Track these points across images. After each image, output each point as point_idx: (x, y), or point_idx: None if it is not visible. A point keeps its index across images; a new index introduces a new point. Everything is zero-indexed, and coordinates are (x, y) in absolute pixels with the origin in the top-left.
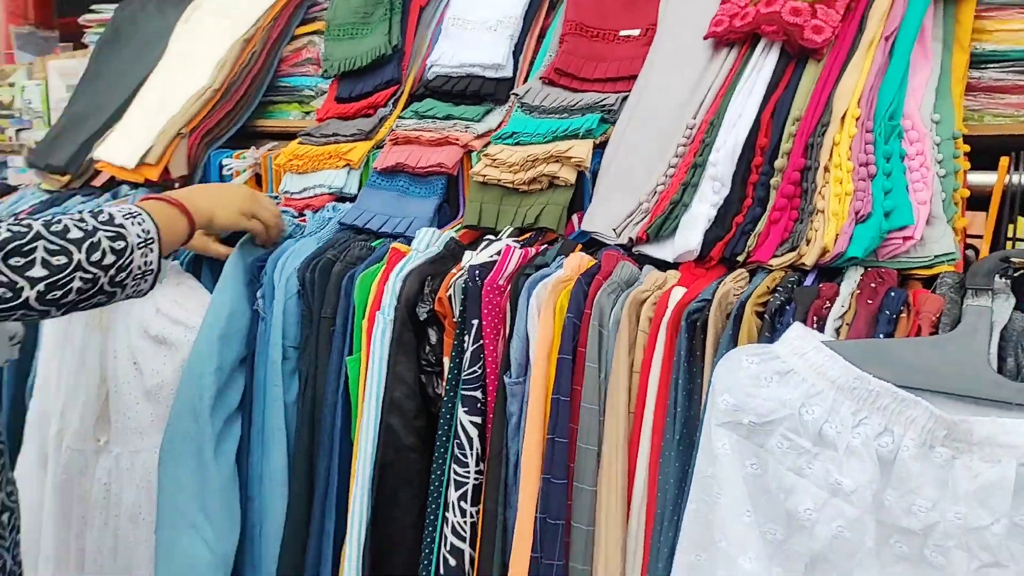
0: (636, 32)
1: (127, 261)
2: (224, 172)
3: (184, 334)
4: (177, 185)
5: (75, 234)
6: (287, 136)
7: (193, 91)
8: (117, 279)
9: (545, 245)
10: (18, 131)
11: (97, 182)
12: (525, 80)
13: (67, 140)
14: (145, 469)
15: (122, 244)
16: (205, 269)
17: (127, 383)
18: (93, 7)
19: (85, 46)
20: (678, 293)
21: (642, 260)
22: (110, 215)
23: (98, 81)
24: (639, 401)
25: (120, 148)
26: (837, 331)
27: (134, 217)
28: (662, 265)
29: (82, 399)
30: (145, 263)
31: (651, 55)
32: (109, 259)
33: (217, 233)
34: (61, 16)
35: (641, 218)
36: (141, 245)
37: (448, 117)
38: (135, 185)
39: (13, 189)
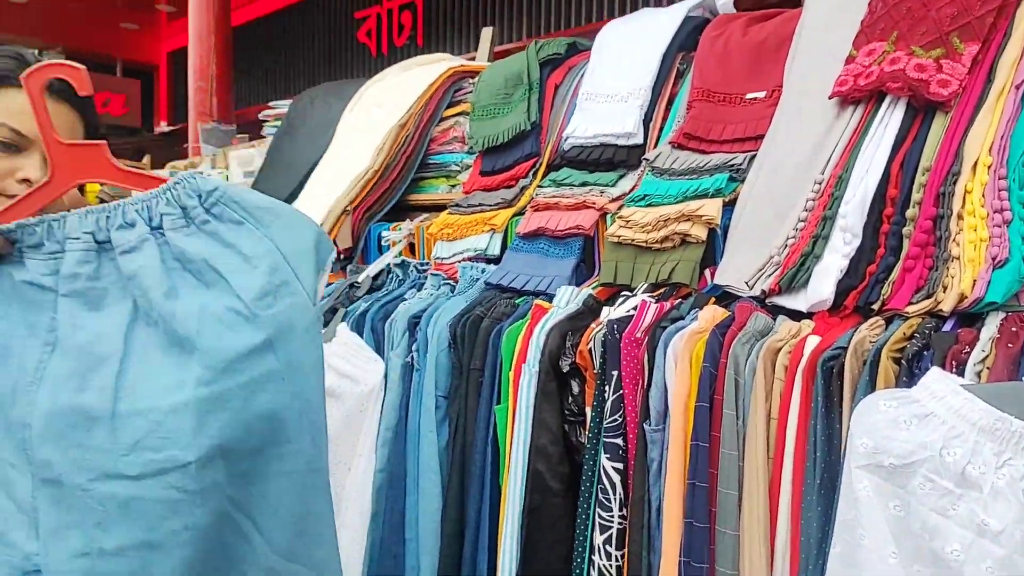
0: (762, 94)
1: None
2: (383, 243)
3: (350, 386)
4: (342, 256)
5: None
6: (436, 208)
7: (356, 173)
8: None
9: (679, 299)
10: None
11: None
12: (655, 146)
13: None
14: None
15: None
16: (367, 328)
17: None
18: (271, 103)
19: (259, 136)
20: (813, 341)
21: (775, 311)
22: None
23: (276, 167)
24: (778, 447)
25: None
26: (977, 375)
27: None
28: (795, 316)
29: None
30: None
31: (777, 115)
32: None
33: None
34: (237, 110)
35: (773, 271)
36: None
37: (584, 184)
38: None
39: None
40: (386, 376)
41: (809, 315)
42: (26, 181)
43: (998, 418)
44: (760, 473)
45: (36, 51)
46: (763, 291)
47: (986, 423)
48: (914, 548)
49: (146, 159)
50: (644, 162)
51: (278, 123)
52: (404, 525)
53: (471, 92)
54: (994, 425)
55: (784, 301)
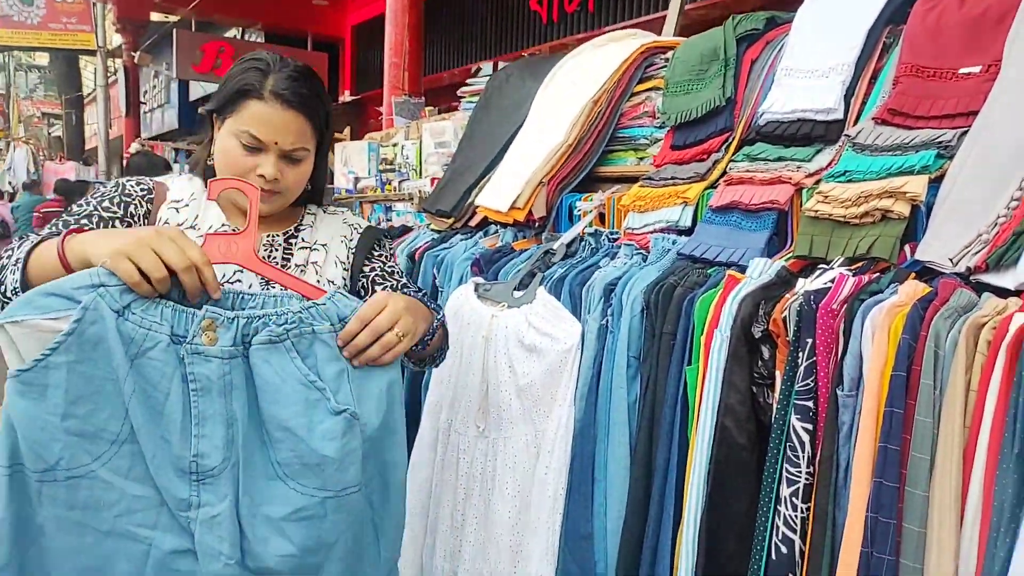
0: (977, 69)
1: (2, 280)
2: (574, 212)
3: (551, 344)
4: (536, 224)
5: (7, 257)
6: (625, 180)
7: (551, 146)
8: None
9: (877, 275)
10: (400, 182)
11: (473, 223)
12: (856, 122)
13: (451, 190)
14: (514, 452)
15: (3, 264)
16: (564, 293)
17: (503, 382)
18: (468, 81)
19: (449, 108)
20: (1020, 318)
21: (979, 289)
22: (24, 246)
23: (474, 140)
24: (975, 418)
25: (495, 195)
26: None
27: (28, 245)
28: (1001, 294)
29: (467, 394)
30: (13, 280)
31: (995, 90)
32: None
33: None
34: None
35: (980, 248)
36: (12, 266)
37: (779, 159)
38: (504, 225)
39: (408, 230)
40: (583, 336)
41: (1016, 293)
42: (262, 177)
43: None
44: (956, 439)
45: (239, 31)
46: (968, 268)
47: None
48: None
49: (346, 130)
50: (844, 138)
51: (474, 99)
52: (594, 468)
53: (663, 67)
54: None
55: (990, 279)
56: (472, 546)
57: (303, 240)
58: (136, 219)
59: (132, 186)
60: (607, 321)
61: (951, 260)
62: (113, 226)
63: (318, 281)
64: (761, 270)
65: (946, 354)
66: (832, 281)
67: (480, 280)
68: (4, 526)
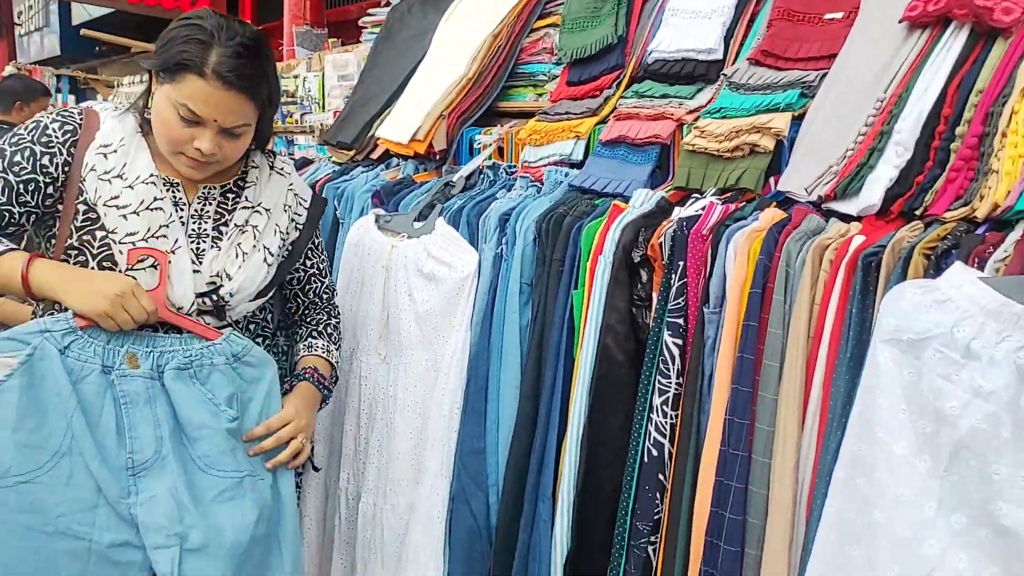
0: (840, 15)
1: None
2: (475, 146)
3: (448, 272)
4: (437, 156)
5: None
6: (524, 115)
7: (452, 79)
8: None
9: (744, 203)
10: (302, 115)
11: (375, 155)
12: (734, 62)
13: (353, 121)
14: (413, 375)
15: None
16: (462, 223)
17: (403, 309)
18: (369, 11)
19: (354, 41)
20: (858, 240)
21: (828, 215)
22: None
23: (375, 72)
24: (818, 327)
25: (395, 127)
26: (996, 271)
27: None
28: (846, 219)
29: (369, 322)
30: None
31: (851, 36)
32: None
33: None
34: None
35: (831, 179)
36: None
37: (664, 96)
38: (405, 158)
39: (309, 162)
40: (479, 265)
41: (858, 219)
42: (198, 150)
43: (1003, 303)
44: (801, 348)
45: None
46: (820, 196)
47: (993, 307)
48: (921, 406)
49: None
50: (722, 77)
51: (376, 30)
52: (487, 388)
53: (562, 4)
54: (999, 309)
55: (837, 206)
56: (375, 467)
57: (246, 199)
58: (53, 169)
59: (54, 130)
60: (502, 250)
61: (806, 190)
62: (24, 188)
63: (254, 246)
64: (643, 200)
65: (795, 272)
66: (703, 209)
67: (381, 211)
68: None
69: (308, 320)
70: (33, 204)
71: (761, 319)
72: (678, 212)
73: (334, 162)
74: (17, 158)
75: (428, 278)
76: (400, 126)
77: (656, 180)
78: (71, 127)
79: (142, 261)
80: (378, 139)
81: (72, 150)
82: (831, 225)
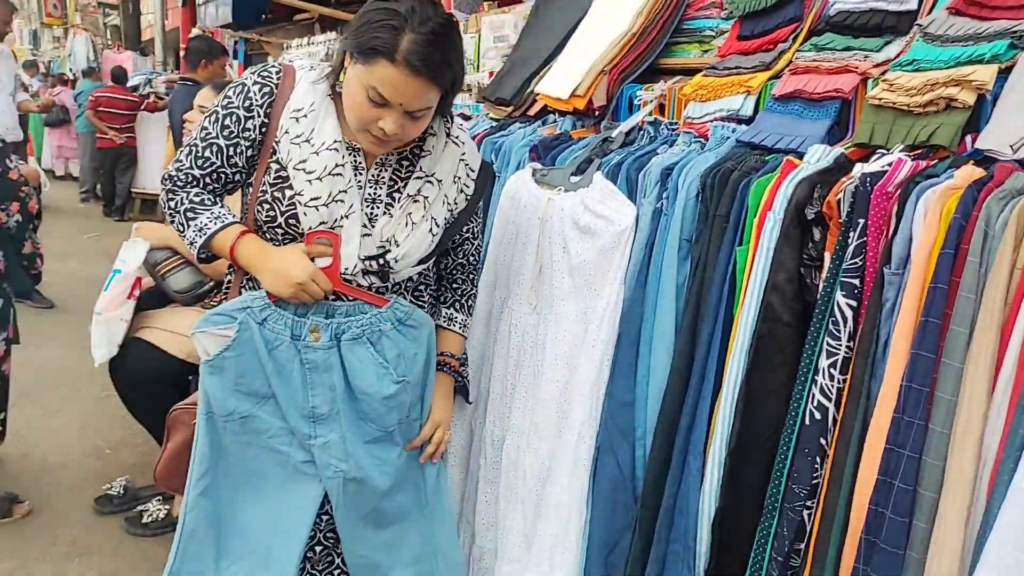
0: None
1: (182, 235)
2: (635, 102)
3: (605, 225)
4: (596, 113)
5: (179, 220)
6: (687, 72)
7: (615, 35)
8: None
9: (936, 161)
10: None
11: (532, 112)
12: (929, 12)
13: (512, 78)
14: (564, 326)
15: (181, 230)
16: (621, 178)
17: (557, 261)
18: None
19: (507, 2)
20: None
21: None
22: (195, 228)
23: (536, 29)
24: (1017, 293)
25: (555, 83)
26: None
27: (201, 235)
28: None
29: (522, 273)
30: (191, 251)
31: None
32: (178, 228)
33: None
34: None
35: None
36: (191, 244)
37: (847, 48)
38: (563, 114)
39: (467, 118)
40: (637, 219)
41: None
42: (382, 129)
43: None
44: (995, 315)
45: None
46: None
47: None
48: None
49: None
50: (916, 28)
51: None
52: (639, 342)
53: None
54: None
55: None
56: (520, 411)
57: (420, 169)
58: (253, 132)
59: (255, 92)
60: (662, 204)
61: (1011, 147)
62: (232, 151)
63: (423, 216)
64: (819, 156)
65: (995, 234)
66: (890, 165)
67: (538, 165)
68: (206, 446)
69: (454, 285)
70: (240, 165)
71: (951, 282)
72: (860, 168)
73: (491, 118)
74: (227, 122)
75: (584, 231)
76: (560, 82)
77: (833, 137)
78: (268, 88)
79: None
80: (537, 95)
81: (269, 111)
82: None
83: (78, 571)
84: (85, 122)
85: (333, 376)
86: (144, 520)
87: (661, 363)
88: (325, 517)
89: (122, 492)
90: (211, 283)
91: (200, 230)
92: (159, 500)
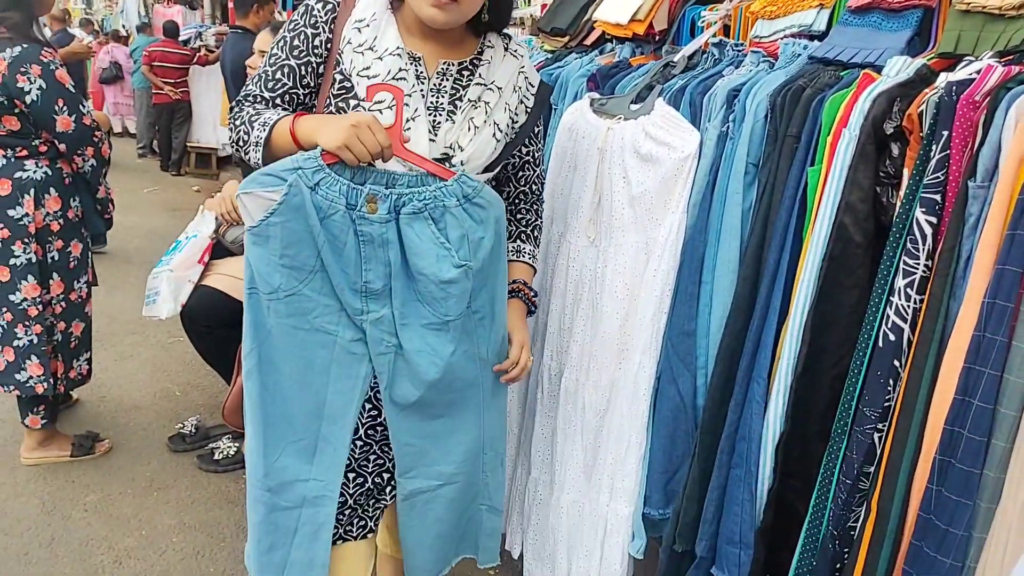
0: None
1: (245, 150)
2: (697, 25)
3: (667, 153)
4: (656, 39)
5: (244, 128)
6: None
7: None
8: (244, 155)
9: None
10: None
11: (588, 41)
12: None
13: (568, 6)
14: (624, 258)
15: (245, 139)
16: (684, 103)
17: (617, 192)
18: None
19: None
20: None
21: None
22: (259, 124)
23: None
24: None
25: (615, 8)
26: None
27: (264, 128)
28: None
29: (580, 205)
30: (256, 156)
31: None
32: (241, 143)
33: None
34: None
35: None
36: (255, 145)
37: None
38: (622, 41)
39: None
40: (701, 145)
41: None
42: None
43: None
44: None
45: None
46: None
47: None
48: None
49: None
50: None
51: None
52: (702, 271)
53: None
54: None
55: None
56: (579, 344)
57: (480, 76)
58: (321, 47)
59: (318, 9)
60: (728, 128)
61: None
62: (304, 70)
63: (485, 121)
64: (899, 68)
65: None
66: (978, 72)
67: (596, 95)
68: (250, 325)
69: (518, 215)
70: (312, 85)
71: None
72: (945, 77)
73: (546, 50)
74: (296, 42)
75: (645, 159)
76: (619, 7)
77: (915, 49)
78: (331, 5)
79: (380, 102)
80: (595, 22)
81: (332, 26)
82: None
83: (156, 505)
84: (141, 78)
85: (389, 252)
86: (216, 457)
87: (724, 291)
88: (380, 428)
89: (193, 431)
90: None
91: (263, 124)
92: (229, 438)
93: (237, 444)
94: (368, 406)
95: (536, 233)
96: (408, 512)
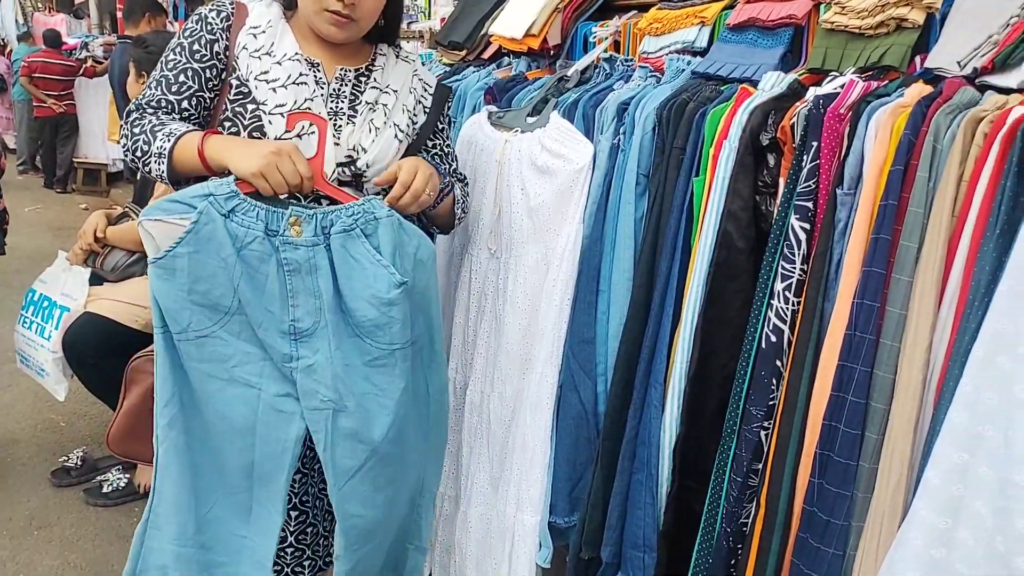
0: None
1: (145, 160)
2: (590, 40)
3: (563, 164)
4: (551, 53)
5: (144, 139)
6: (641, 8)
7: None
8: (142, 165)
9: (887, 82)
10: (408, 23)
11: (486, 55)
12: None
13: (465, 21)
14: (524, 269)
15: (146, 149)
16: (578, 116)
17: (516, 203)
18: None
19: None
20: (1018, 111)
21: (983, 90)
22: (163, 135)
23: None
24: (964, 204)
25: (509, 23)
26: None
27: (169, 138)
28: (1005, 94)
29: (480, 218)
30: (158, 168)
31: None
32: (140, 153)
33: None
34: None
35: (989, 50)
36: (157, 156)
37: None
38: (518, 55)
39: None
40: (594, 157)
41: (1020, 91)
42: (341, 1)
43: None
44: (943, 226)
45: None
46: (975, 69)
47: None
48: None
49: None
50: None
51: None
52: (599, 279)
53: None
54: None
55: (995, 80)
56: (483, 357)
57: (374, 80)
58: (221, 53)
59: (213, 18)
60: (619, 140)
61: (959, 63)
62: (209, 73)
63: (385, 123)
64: (773, 83)
65: (944, 148)
66: (842, 87)
67: (493, 108)
68: (166, 368)
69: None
70: (217, 89)
71: (901, 198)
72: (813, 91)
73: (444, 63)
74: (196, 47)
75: (542, 171)
76: (514, 22)
77: (787, 65)
78: (225, 13)
79: (300, 131)
80: (491, 36)
81: (228, 34)
82: (987, 98)
83: (36, 545)
84: (21, 90)
85: (319, 280)
86: (104, 490)
87: (621, 299)
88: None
89: (79, 463)
90: (137, 255)
91: (169, 135)
92: (119, 469)
93: (128, 475)
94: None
95: (465, 182)
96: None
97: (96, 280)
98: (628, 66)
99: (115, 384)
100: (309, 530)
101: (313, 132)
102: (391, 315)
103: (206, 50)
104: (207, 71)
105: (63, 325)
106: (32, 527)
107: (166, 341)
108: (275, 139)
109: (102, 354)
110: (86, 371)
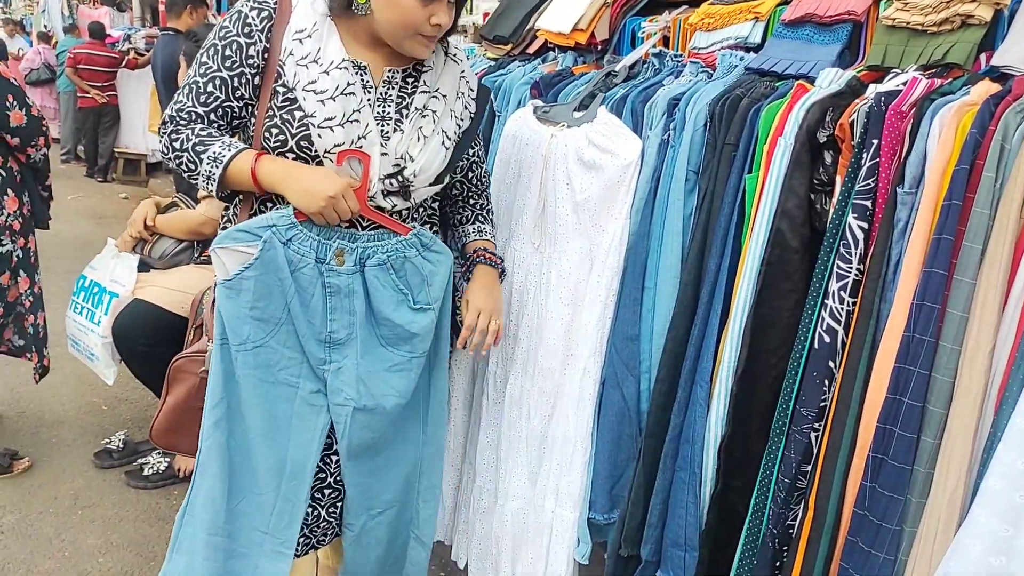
0: None
1: (192, 177)
2: (638, 35)
3: (610, 160)
4: (598, 48)
5: (188, 157)
6: (690, 3)
7: None
8: (189, 179)
9: (951, 80)
10: None
11: (531, 49)
12: None
13: (510, 15)
14: (568, 264)
15: (192, 168)
16: (626, 111)
17: (561, 198)
18: None
19: None
20: None
21: None
22: (209, 159)
23: None
24: None
25: (557, 17)
26: None
27: (217, 165)
28: None
29: (524, 212)
30: (208, 188)
31: None
32: (185, 170)
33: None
34: None
35: None
36: (207, 179)
37: None
38: (564, 50)
39: None
40: (643, 153)
41: None
42: (437, 25)
43: None
44: (1010, 227)
45: None
46: None
47: None
48: None
49: None
50: None
51: None
52: (645, 276)
53: None
54: None
55: None
56: (524, 351)
57: (425, 83)
58: (257, 58)
59: (253, 17)
60: (668, 136)
61: None
62: (237, 82)
63: (433, 130)
64: (831, 80)
65: (1012, 148)
66: (904, 84)
67: (539, 102)
68: (220, 376)
69: (471, 201)
70: (247, 97)
71: (965, 199)
72: (874, 89)
73: (489, 58)
74: (228, 52)
75: (588, 166)
76: (562, 16)
77: (844, 62)
78: (267, 12)
79: (331, 119)
80: (538, 31)
81: (269, 35)
82: None
83: (80, 524)
84: (66, 81)
85: (355, 301)
86: (145, 472)
87: (666, 296)
88: (335, 457)
89: (121, 446)
90: (185, 243)
91: (215, 160)
92: (159, 453)
93: (168, 459)
94: (336, 457)
95: (491, 216)
96: (354, 540)
97: (143, 267)
98: (678, 62)
99: (158, 369)
100: (339, 505)
101: (359, 163)
102: (412, 331)
103: (237, 56)
104: (235, 79)
105: (112, 311)
106: (76, 506)
107: (223, 352)
108: (324, 153)
109: (153, 342)
110: (137, 359)
